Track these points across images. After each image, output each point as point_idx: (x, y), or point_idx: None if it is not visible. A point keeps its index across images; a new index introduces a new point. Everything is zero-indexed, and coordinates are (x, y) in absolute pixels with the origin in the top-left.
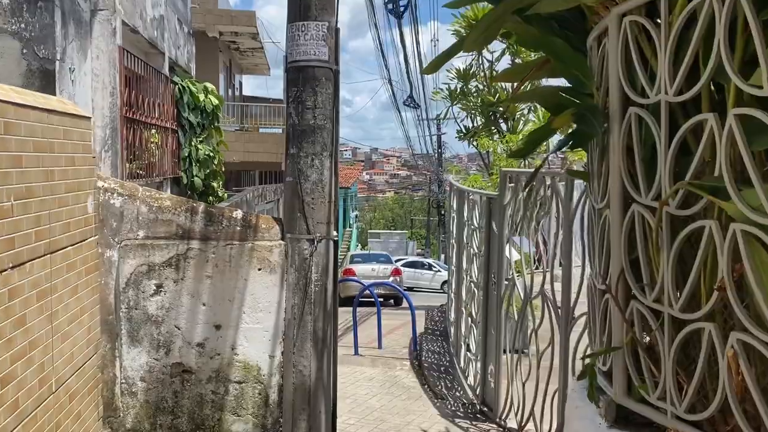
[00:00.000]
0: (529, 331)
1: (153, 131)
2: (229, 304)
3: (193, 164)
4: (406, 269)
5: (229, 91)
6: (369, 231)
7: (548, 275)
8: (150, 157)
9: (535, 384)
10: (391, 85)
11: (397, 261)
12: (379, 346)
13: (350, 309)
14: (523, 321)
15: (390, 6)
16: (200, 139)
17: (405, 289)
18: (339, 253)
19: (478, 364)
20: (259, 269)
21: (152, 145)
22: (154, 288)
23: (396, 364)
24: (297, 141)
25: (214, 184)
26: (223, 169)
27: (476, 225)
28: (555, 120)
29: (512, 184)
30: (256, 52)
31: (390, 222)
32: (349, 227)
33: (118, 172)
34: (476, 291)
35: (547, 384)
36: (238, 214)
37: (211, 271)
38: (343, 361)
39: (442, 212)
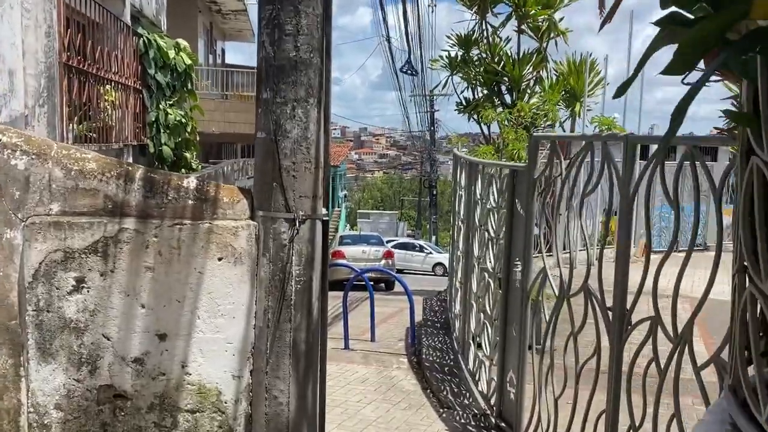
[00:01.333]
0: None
1: (108, 87)
2: (179, 306)
3: (162, 131)
4: (397, 251)
5: (210, 58)
6: (358, 211)
7: (582, 267)
8: (105, 118)
9: (573, 401)
10: (389, 42)
11: (387, 242)
12: (372, 339)
13: (339, 294)
14: (555, 321)
15: None
16: (170, 102)
17: (396, 272)
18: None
19: (494, 369)
20: (220, 259)
21: (107, 103)
22: (74, 283)
23: (392, 361)
24: (272, 81)
25: (187, 155)
26: (198, 138)
27: (494, 204)
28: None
29: (547, 152)
30: (240, 15)
31: (379, 202)
32: (338, 207)
33: (57, 133)
34: (491, 282)
35: (590, 401)
36: (191, 182)
37: (152, 260)
38: (332, 357)
39: (434, 192)
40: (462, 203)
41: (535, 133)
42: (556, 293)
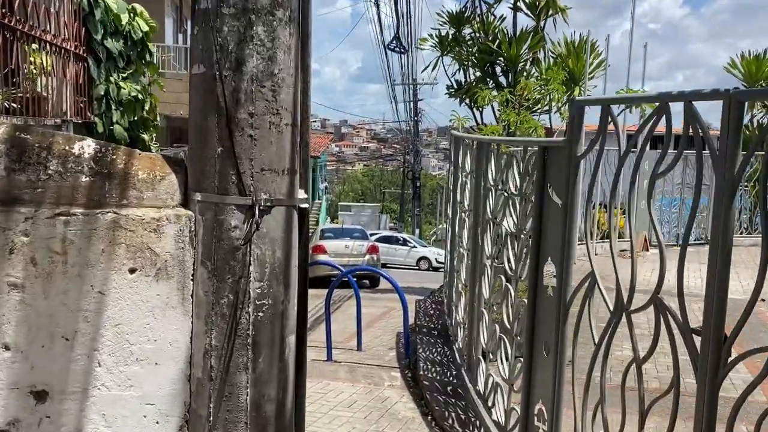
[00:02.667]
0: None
1: (34, 47)
2: (66, 346)
3: (113, 107)
4: (380, 244)
5: (180, 38)
6: (339, 204)
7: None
8: (33, 87)
9: None
10: (377, 6)
11: (370, 236)
12: (359, 347)
13: (319, 292)
14: (607, 343)
15: None
16: (124, 75)
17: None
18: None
19: (514, 395)
20: (133, 271)
21: (33, 68)
22: None
23: (383, 376)
24: None
25: (145, 137)
26: (158, 119)
27: (514, 191)
28: None
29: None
30: None
31: (360, 195)
32: (319, 199)
33: None
34: (510, 288)
35: None
36: (86, 147)
37: (20, 274)
38: (312, 372)
39: (418, 184)
40: (467, 191)
41: (576, 99)
42: (610, 306)
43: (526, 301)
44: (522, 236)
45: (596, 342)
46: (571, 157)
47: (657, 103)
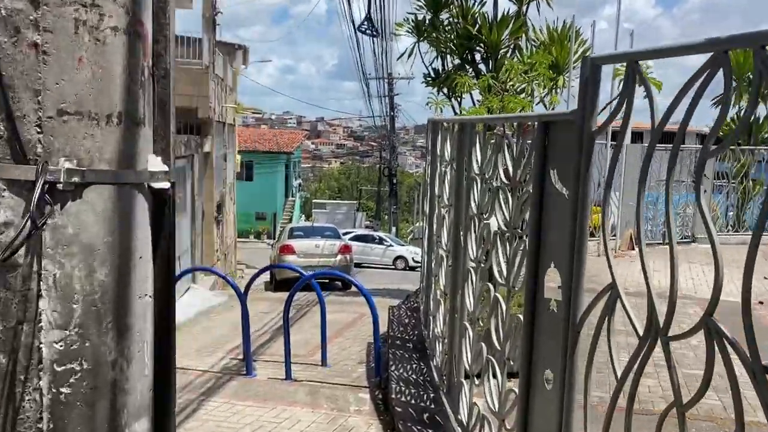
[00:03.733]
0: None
1: None
2: None
3: None
4: (355, 243)
5: None
6: (314, 201)
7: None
8: None
9: None
10: None
11: (344, 234)
12: (323, 362)
13: (283, 296)
14: (636, 377)
15: None
16: None
17: (354, 266)
18: (278, 226)
19: None
20: None
21: None
22: None
23: (349, 399)
24: None
25: None
26: None
27: (505, 181)
28: None
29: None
30: None
31: (336, 193)
32: (292, 197)
33: None
34: (501, 300)
35: None
36: None
37: None
38: (268, 394)
39: (395, 181)
40: (446, 183)
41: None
42: (638, 329)
43: (521, 317)
44: (515, 236)
45: (618, 376)
46: (583, 132)
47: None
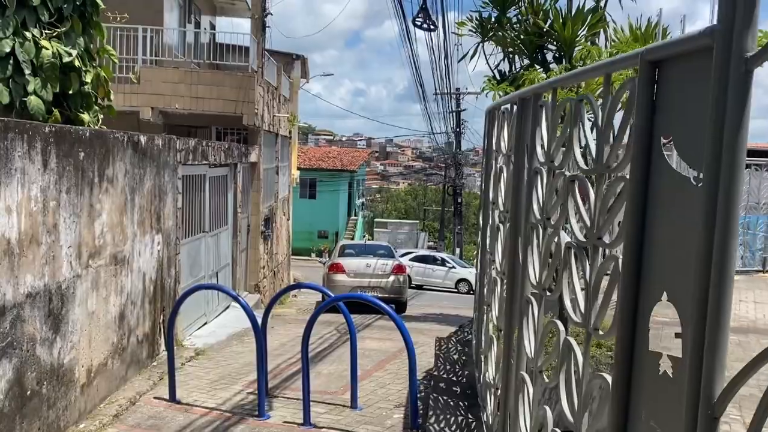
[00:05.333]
0: None
1: None
2: None
3: (26, 71)
4: (416, 264)
5: (190, 34)
6: (376, 220)
7: None
8: None
9: None
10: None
11: (404, 255)
12: (353, 404)
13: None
14: None
15: None
16: (50, 31)
17: (413, 287)
18: (333, 242)
19: None
20: None
21: None
22: None
23: None
24: None
25: (85, 117)
26: (111, 97)
27: (584, 165)
28: None
29: None
30: None
31: (402, 214)
32: (355, 215)
33: None
34: (575, 350)
35: None
36: None
37: None
38: None
39: (459, 200)
40: (502, 182)
41: None
42: None
43: (608, 378)
44: (599, 250)
45: None
46: (730, 61)
47: None
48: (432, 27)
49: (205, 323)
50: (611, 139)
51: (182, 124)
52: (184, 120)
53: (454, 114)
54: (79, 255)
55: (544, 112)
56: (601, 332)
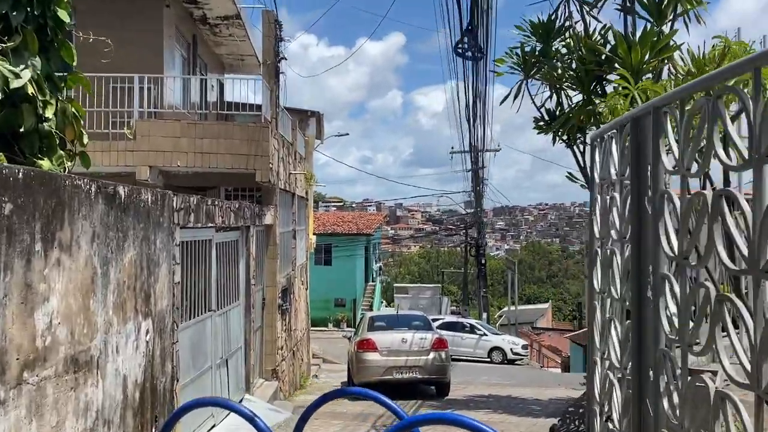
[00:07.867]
0: None
1: None
2: None
3: None
4: (443, 333)
5: (194, 84)
6: (395, 285)
7: None
8: None
9: None
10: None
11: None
12: None
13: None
14: None
15: None
16: None
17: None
18: (358, 313)
19: None
20: None
21: None
22: None
23: None
24: None
25: (44, 164)
26: (85, 141)
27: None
28: None
29: None
30: (235, 28)
31: (416, 277)
32: (372, 281)
33: None
34: None
35: None
36: None
37: None
38: None
39: (483, 261)
40: (615, 214)
41: None
42: None
43: None
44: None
45: None
46: None
47: None
48: (478, 55)
49: (213, 426)
50: None
51: (186, 185)
52: (188, 181)
53: (471, 172)
54: (2, 366)
55: (668, 119)
56: None
